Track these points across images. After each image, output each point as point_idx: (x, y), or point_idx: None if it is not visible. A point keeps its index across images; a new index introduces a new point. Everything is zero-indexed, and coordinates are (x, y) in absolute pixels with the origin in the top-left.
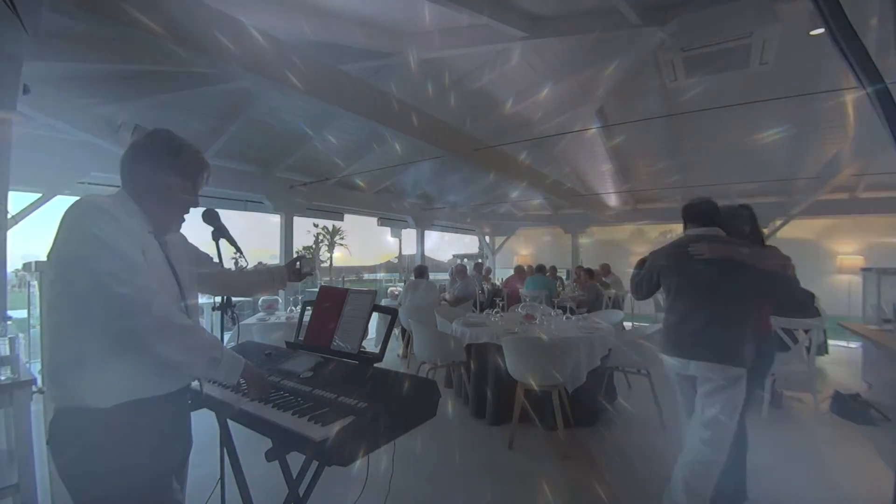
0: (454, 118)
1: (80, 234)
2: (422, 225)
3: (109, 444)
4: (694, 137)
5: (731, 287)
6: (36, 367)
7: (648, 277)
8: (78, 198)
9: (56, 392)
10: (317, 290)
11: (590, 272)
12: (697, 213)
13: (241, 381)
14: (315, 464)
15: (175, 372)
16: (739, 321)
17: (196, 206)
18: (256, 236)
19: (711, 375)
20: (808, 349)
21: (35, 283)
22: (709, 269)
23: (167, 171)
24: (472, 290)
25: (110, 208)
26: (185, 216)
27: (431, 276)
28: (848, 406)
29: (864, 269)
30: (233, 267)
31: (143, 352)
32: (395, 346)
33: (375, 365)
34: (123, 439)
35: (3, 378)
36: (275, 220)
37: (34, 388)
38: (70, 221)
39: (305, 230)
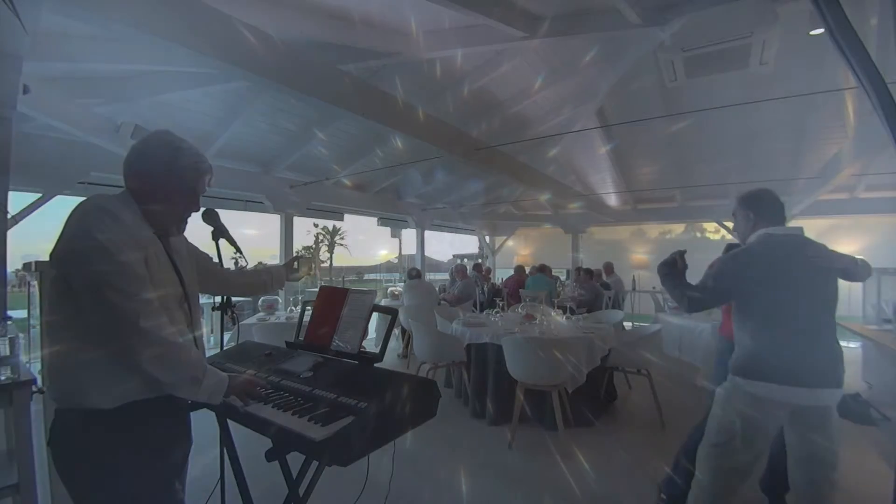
0: (454, 118)
1: (84, 236)
2: (422, 225)
3: (111, 445)
4: (694, 137)
5: (835, 297)
6: (36, 367)
7: (724, 292)
8: (79, 197)
9: (57, 393)
10: (317, 290)
11: (589, 272)
12: (777, 209)
13: (231, 398)
14: (315, 464)
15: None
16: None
17: (196, 210)
18: (256, 236)
19: (833, 400)
20: None
21: (35, 283)
22: (819, 279)
23: (166, 173)
24: (472, 290)
25: (116, 211)
26: (188, 218)
27: (430, 276)
28: (848, 406)
29: None
30: (232, 267)
31: (128, 363)
32: (395, 346)
33: (375, 365)
34: (125, 440)
35: (3, 378)
36: (275, 219)
37: (34, 388)
38: (75, 222)
39: (305, 230)
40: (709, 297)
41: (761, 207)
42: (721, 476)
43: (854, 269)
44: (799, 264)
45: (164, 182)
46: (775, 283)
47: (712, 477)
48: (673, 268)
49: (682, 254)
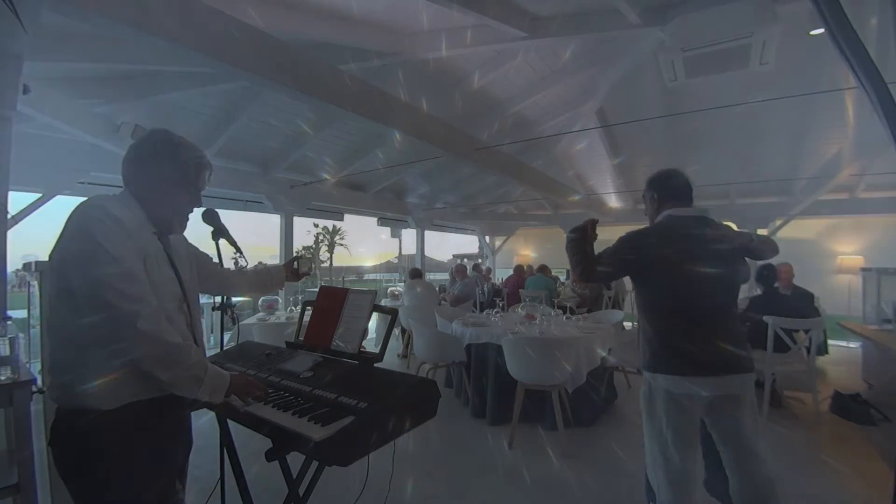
0: (454, 118)
1: (83, 236)
2: (422, 225)
3: (112, 445)
4: (694, 137)
5: (737, 281)
6: (36, 367)
7: (618, 267)
8: (79, 197)
9: (57, 393)
10: (317, 290)
11: None
12: (681, 190)
13: (231, 397)
14: (315, 464)
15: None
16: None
17: (198, 205)
18: (256, 236)
19: (748, 386)
20: (808, 349)
21: (35, 283)
22: (720, 261)
23: (167, 171)
24: (472, 290)
25: (116, 211)
26: (189, 215)
27: (430, 276)
28: (848, 406)
29: (864, 269)
30: (232, 267)
31: (128, 364)
32: (395, 346)
33: (375, 365)
34: (125, 441)
35: (3, 378)
36: (275, 219)
37: (34, 388)
38: (75, 222)
39: (305, 230)
40: (602, 270)
41: (665, 188)
42: (674, 486)
43: (750, 245)
44: (699, 246)
45: (166, 178)
46: (673, 266)
47: (667, 489)
48: (583, 234)
49: (594, 223)
